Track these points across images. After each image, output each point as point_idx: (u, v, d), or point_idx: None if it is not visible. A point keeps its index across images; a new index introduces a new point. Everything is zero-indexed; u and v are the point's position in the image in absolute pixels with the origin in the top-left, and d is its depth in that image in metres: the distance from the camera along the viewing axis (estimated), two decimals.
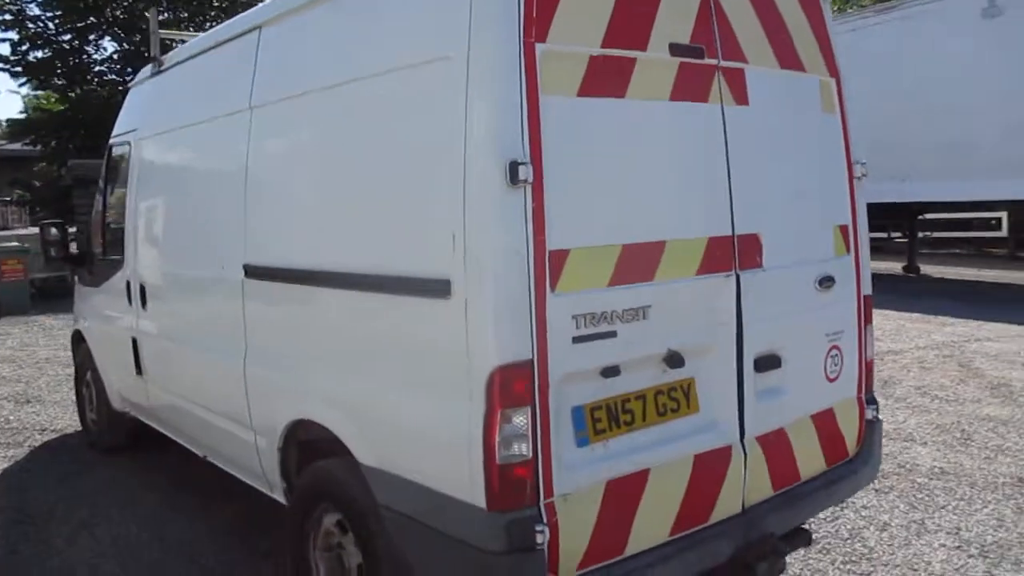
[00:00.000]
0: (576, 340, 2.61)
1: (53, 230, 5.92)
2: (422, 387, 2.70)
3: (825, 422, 3.46)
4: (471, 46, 2.49)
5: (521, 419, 2.48)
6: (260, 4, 3.80)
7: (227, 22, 4.12)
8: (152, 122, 4.84)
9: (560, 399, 2.58)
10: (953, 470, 5.25)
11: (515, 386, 2.47)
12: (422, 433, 2.72)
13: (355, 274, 2.94)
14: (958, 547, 4.18)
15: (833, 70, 3.51)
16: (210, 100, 4.15)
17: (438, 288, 2.58)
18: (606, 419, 2.74)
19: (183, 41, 5.13)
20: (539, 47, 2.51)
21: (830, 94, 3.51)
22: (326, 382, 3.15)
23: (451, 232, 2.53)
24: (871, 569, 3.96)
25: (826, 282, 3.43)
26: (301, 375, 3.32)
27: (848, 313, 3.56)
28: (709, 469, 2.97)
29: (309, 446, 3.52)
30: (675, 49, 2.88)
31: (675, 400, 2.94)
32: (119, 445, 6.04)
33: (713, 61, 3.00)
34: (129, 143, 5.12)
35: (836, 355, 3.51)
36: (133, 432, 6.01)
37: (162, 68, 4.79)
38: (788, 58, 3.32)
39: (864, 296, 3.63)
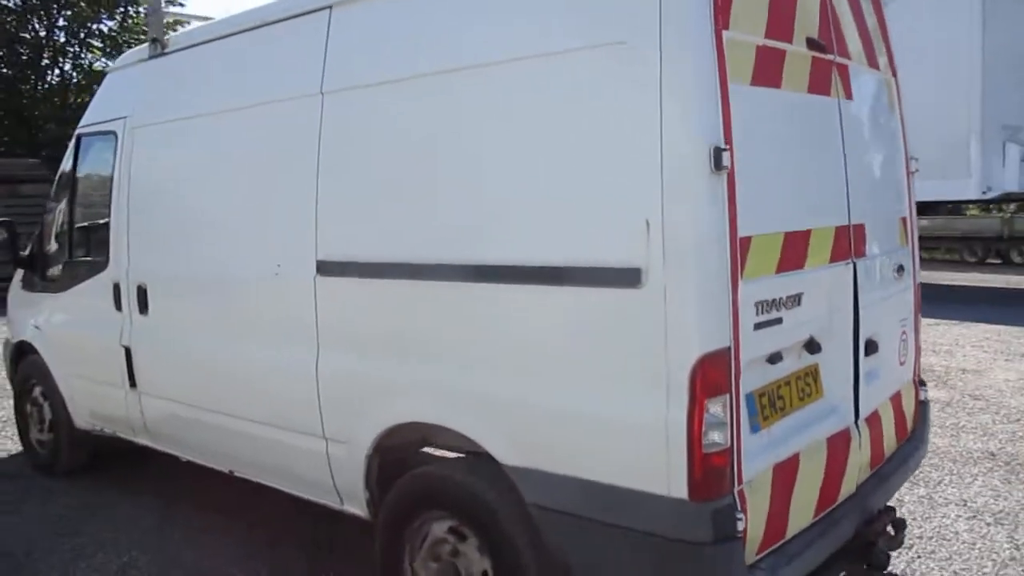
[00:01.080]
0: (756, 327, 2.62)
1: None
2: (600, 380, 2.62)
3: (897, 403, 3.65)
4: (663, 32, 2.45)
5: (719, 407, 2.46)
6: None
7: (269, 3, 3.80)
8: (156, 108, 4.40)
9: (743, 386, 2.58)
10: (930, 448, 5.66)
11: (717, 374, 2.45)
12: (599, 427, 2.63)
13: (508, 266, 2.80)
14: (973, 517, 4.52)
15: (894, 70, 3.72)
16: (251, 86, 3.82)
17: (625, 277, 2.51)
18: (768, 405, 2.77)
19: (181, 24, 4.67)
20: (725, 34, 2.51)
21: (892, 92, 3.71)
22: (456, 382, 2.98)
23: (643, 219, 2.47)
24: (912, 542, 4.20)
25: (900, 270, 3.62)
26: (411, 376, 3.13)
27: (909, 300, 3.78)
28: (838, 451, 3.06)
29: (391, 453, 3.35)
30: (810, 43, 2.96)
31: (808, 385, 3.01)
32: (77, 466, 5.47)
33: (831, 57, 3.11)
34: (115, 132, 4.63)
35: (904, 339, 3.72)
36: (93, 451, 5.49)
37: (166, 50, 4.36)
38: (871, 57, 3.49)
39: (917, 284, 3.86)
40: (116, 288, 4.61)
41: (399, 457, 3.40)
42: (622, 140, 2.54)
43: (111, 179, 4.66)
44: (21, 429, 5.81)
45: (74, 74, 24.17)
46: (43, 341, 5.34)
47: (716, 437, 2.46)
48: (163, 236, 4.34)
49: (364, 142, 3.29)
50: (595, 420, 2.64)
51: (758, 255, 2.62)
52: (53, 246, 5.26)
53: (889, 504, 3.56)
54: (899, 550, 3.73)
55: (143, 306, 4.42)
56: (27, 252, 5.39)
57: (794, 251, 2.82)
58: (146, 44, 4.55)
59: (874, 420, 3.36)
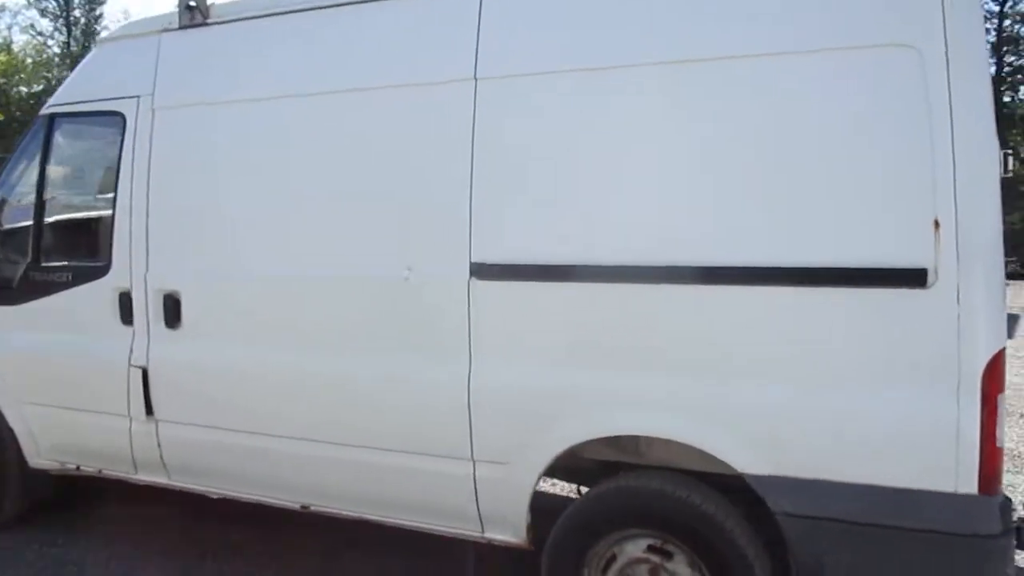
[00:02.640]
0: None
1: None
2: (875, 381, 2.59)
3: None
4: (950, 36, 2.50)
5: (1003, 403, 2.54)
6: None
7: None
8: (196, 87, 3.70)
9: None
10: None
11: (1001, 372, 2.52)
12: (873, 430, 2.60)
13: (771, 268, 2.68)
14: None
15: None
16: (358, 68, 3.35)
17: (909, 277, 2.52)
18: None
19: None
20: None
21: None
22: (690, 390, 2.81)
23: (931, 220, 2.50)
24: None
25: None
26: (622, 387, 2.91)
27: None
28: None
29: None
30: None
31: None
32: (20, 514, 4.52)
33: None
34: (122, 114, 3.88)
35: None
36: (46, 495, 4.58)
37: (208, 20, 3.73)
38: None
39: None
40: (123, 298, 3.87)
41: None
42: (905, 141, 2.54)
43: (117, 168, 3.91)
44: None
45: None
46: None
47: (998, 431, 2.54)
48: (211, 236, 3.68)
49: (552, 136, 3.01)
50: (869, 423, 2.62)
51: None
52: (4, 249, 4.32)
53: None
54: None
55: (173, 318, 3.75)
56: None
57: None
58: (168, 12, 3.88)
59: None
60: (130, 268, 3.85)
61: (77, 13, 41.73)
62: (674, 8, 2.89)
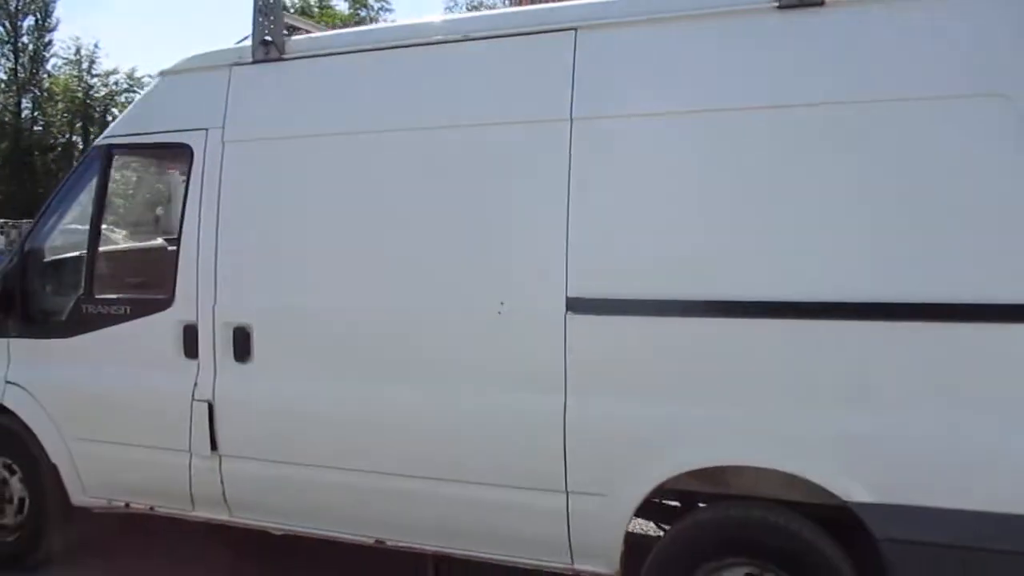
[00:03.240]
0: None
1: None
2: (990, 411, 2.71)
3: None
4: None
5: None
6: (575, 2, 3.34)
7: (470, 17, 3.46)
8: (272, 120, 3.70)
9: None
10: None
11: None
12: (988, 459, 2.72)
13: (884, 304, 2.79)
14: None
15: None
16: (447, 107, 3.44)
17: (1017, 313, 2.67)
18: None
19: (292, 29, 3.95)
20: None
21: None
22: (797, 422, 2.89)
23: None
24: None
25: None
26: (722, 417, 2.99)
27: None
28: None
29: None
30: None
31: None
32: (54, 553, 4.39)
33: None
34: (189, 146, 3.87)
35: None
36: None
37: (283, 55, 3.75)
38: None
39: None
40: (188, 330, 3.83)
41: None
42: (1008, 186, 2.70)
43: (183, 201, 3.88)
44: None
45: None
46: (26, 400, 4.23)
47: None
48: (286, 269, 3.67)
49: (646, 174, 3.11)
50: (982, 452, 2.73)
51: None
52: (51, 279, 4.24)
53: None
54: None
55: (242, 351, 3.72)
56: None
57: None
58: (238, 46, 3.90)
59: None
60: (196, 301, 3.81)
61: (25, 39, 40.89)
62: (773, 53, 3.02)
